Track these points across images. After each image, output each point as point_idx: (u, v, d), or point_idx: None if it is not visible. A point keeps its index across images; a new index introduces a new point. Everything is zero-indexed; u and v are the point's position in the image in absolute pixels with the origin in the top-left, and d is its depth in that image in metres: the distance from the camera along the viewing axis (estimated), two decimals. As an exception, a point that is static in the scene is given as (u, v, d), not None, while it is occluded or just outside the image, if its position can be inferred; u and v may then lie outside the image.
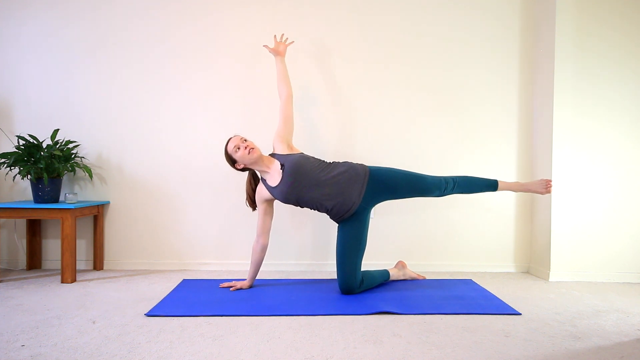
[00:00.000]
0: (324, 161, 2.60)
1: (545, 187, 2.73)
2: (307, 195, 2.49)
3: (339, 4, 3.17)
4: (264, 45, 2.93)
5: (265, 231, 2.62)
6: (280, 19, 3.16)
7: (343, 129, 3.19)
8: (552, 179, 2.94)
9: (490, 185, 2.70)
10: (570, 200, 2.96)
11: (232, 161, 2.58)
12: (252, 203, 2.68)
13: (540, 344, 1.84)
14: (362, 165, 2.59)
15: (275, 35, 2.94)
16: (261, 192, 2.60)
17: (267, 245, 2.65)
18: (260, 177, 2.64)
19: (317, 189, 2.48)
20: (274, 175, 2.54)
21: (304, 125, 3.17)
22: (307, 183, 2.47)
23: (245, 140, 2.54)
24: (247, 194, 2.68)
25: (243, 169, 2.60)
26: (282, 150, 2.62)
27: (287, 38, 2.97)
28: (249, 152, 2.49)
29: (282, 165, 2.52)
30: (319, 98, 3.18)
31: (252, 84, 3.18)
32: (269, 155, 2.63)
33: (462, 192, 2.69)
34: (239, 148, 2.51)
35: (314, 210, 2.58)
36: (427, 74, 3.19)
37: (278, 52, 2.86)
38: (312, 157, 2.60)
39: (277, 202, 2.70)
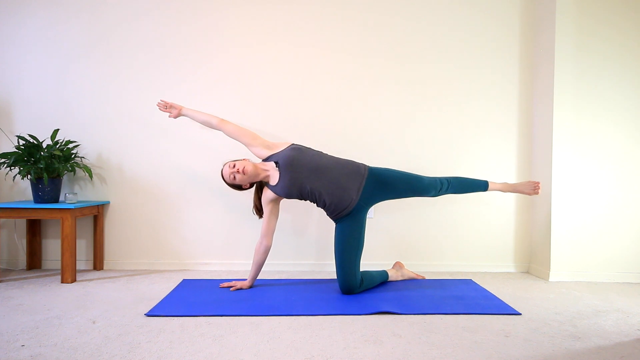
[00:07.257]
0: (322, 152, 2.64)
1: (533, 188, 2.80)
2: (308, 185, 2.50)
3: (338, 1, 3.18)
4: (169, 117, 2.88)
5: (269, 233, 2.63)
6: (279, 17, 3.17)
7: (339, 127, 3.19)
8: (552, 179, 2.95)
9: (481, 186, 2.79)
10: (570, 200, 2.96)
11: (238, 187, 2.64)
12: (259, 211, 2.71)
13: (540, 344, 1.84)
14: (363, 164, 2.64)
15: (161, 105, 2.85)
16: (266, 193, 2.62)
17: (270, 247, 2.65)
18: (265, 184, 2.66)
19: (317, 177, 2.50)
20: (273, 175, 2.57)
21: (297, 124, 3.18)
22: (305, 172, 2.50)
23: (234, 165, 2.54)
24: (254, 203, 2.71)
25: (251, 185, 2.66)
26: (266, 153, 2.64)
27: (160, 102, 2.86)
28: (243, 172, 2.51)
29: (276, 163, 2.57)
30: (313, 94, 3.18)
31: (251, 82, 3.18)
32: (262, 160, 2.65)
33: (455, 192, 2.76)
34: (234, 176, 2.53)
35: (314, 202, 2.59)
36: (426, 73, 3.19)
37: (177, 109, 2.82)
38: (307, 147, 2.63)
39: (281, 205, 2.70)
